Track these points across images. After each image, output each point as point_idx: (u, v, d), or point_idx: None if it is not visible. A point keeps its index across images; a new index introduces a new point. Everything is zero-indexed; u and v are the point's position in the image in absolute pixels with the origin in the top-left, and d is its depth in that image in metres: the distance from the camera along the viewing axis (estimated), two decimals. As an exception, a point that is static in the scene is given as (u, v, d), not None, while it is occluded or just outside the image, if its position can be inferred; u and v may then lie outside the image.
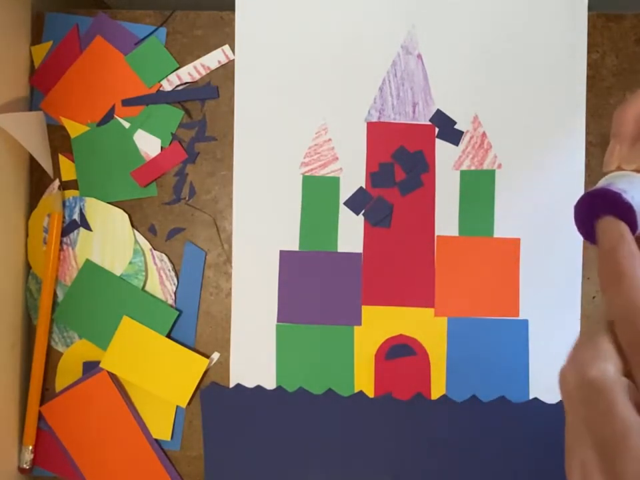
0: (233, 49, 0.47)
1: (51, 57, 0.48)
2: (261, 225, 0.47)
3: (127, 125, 0.47)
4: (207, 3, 0.48)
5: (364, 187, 0.46)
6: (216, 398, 0.47)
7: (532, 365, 0.45)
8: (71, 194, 0.48)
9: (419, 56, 0.46)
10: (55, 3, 0.50)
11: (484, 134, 0.46)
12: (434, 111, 0.46)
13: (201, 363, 0.46)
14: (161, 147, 0.47)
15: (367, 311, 0.46)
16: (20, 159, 0.47)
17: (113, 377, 0.47)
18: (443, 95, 0.46)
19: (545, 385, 0.45)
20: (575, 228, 0.26)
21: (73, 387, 0.47)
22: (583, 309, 0.45)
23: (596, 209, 0.25)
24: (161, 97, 0.47)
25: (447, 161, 0.46)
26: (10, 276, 0.47)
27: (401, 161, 0.46)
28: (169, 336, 0.47)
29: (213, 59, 0.47)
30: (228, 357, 0.47)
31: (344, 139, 0.46)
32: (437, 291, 0.46)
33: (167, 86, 0.47)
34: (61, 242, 0.47)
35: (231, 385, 0.47)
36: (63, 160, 0.48)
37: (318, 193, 0.46)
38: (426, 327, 0.46)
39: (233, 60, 0.47)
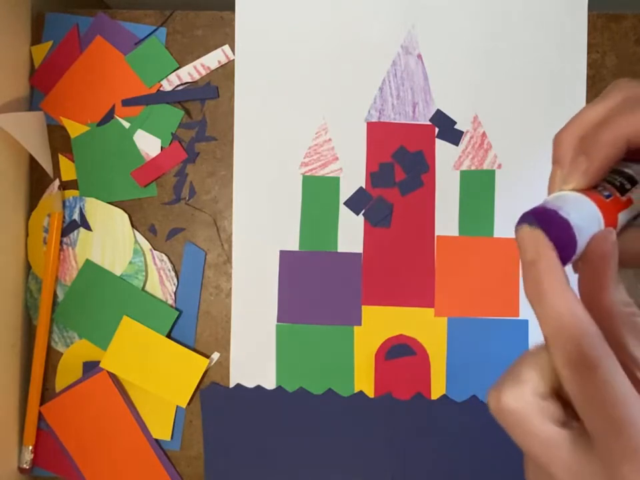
0: (233, 49, 0.47)
1: (51, 57, 0.48)
2: (261, 225, 0.47)
3: (127, 125, 0.47)
4: (207, 3, 0.48)
5: (364, 187, 0.46)
6: (216, 398, 0.47)
7: (532, 364, 0.45)
8: (70, 194, 0.48)
9: (419, 56, 0.46)
10: (55, 2, 0.50)
11: (484, 134, 0.46)
12: (434, 111, 0.46)
13: (201, 363, 0.46)
14: (161, 147, 0.47)
15: (367, 311, 0.46)
16: (20, 159, 0.47)
17: (113, 377, 0.47)
18: (442, 95, 0.46)
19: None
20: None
21: (72, 386, 0.47)
22: (582, 309, 0.45)
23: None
24: (160, 97, 0.47)
25: (447, 161, 0.46)
26: (10, 276, 0.47)
27: (400, 161, 0.46)
28: (168, 336, 0.47)
29: (213, 59, 0.47)
30: (228, 357, 0.47)
31: (344, 139, 0.46)
32: (436, 291, 0.46)
33: (167, 86, 0.47)
34: (61, 242, 0.47)
35: (231, 385, 0.47)
36: (63, 160, 0.48)
37: (318, 193, 0.46)
38: (426, 326, 0.46)
39: (233, 60, 0.47)
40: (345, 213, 0.46)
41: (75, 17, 0.48)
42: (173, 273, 0.47)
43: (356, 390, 0.46)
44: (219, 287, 0.47)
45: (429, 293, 0.46)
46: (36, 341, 0.47)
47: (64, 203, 0.47)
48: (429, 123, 0.46)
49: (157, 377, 0.46)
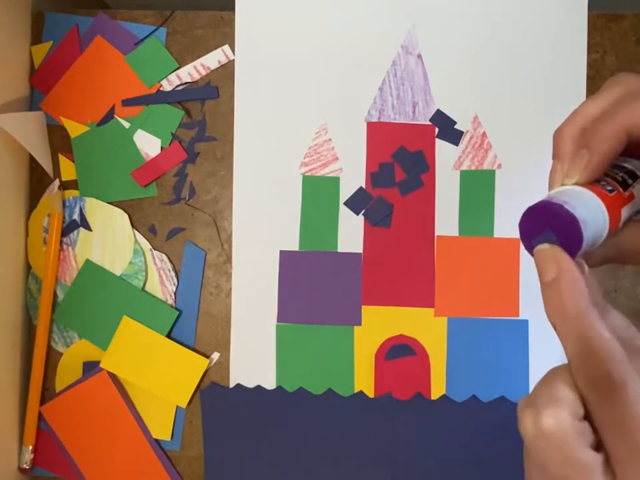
0: (233, 49, 0.47)
1: (51, 57, 0.48)
2: (261, 224, 0.47)
3: (127, 125, 0.47)
4: (207, 3, 0.48)
5: (364, 187, 0.46)
6: (216, 398, 0.47)
7: (532, 365, 0.45)
8: (70, 194, 0.48)
9: (419, 56, 0.46)
10: (55, 2, 0.50)
11: (484, 134, 0.46)
12: (434, 111, 0.46)
13: (201, 363, 0.46)
14: (161, 147, 0.47)
15: (367, 311, 0.46)
16: (20, 159, 0.47)
17: (113, 377, 0.47)
18: (442, 95, 0.46)
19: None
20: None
21: (72, 386, 0.47)
22: (582, 309, 0.45)
23: (540, 224, 0.26)
24: (160, 97, 0.47)
25: (447, 161, 0.46)
26: (10, 276, 0.47)
27: (401, 161, 0.46)
28: (168, 336, 0.47)
29: (213, 59, 0.47)
30: (228, 357, 0.47)
31: (344, 139, 0.46)
32: (437, 291, 0.46)
33: (167, 86, 0.47)
34: (61, 242, 0.47)
35: (231, 385, 0.47)
36: (63, 160, 0.48)
37: (318, 193, 0.46)
38: (426, 327, 0.46)
39: (233, 60, 0.47)
40: (345, 213, 0.46)
41: (75, 17, 0.48)
42: (172, 273, 0.47)
43: (356, 390, 0.46)
44: (219, 287, 0.47)
45: (429, 293, 0.46)
46: (36, 341, 0.47)
47: (64, 203, 0.47)
48: (429, 123, 0.46)
49: (157, 377, 0.46)
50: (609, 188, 0.26)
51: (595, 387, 0.20)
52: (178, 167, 0.47)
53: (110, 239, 0.47)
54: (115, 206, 0.47)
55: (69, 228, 0.47)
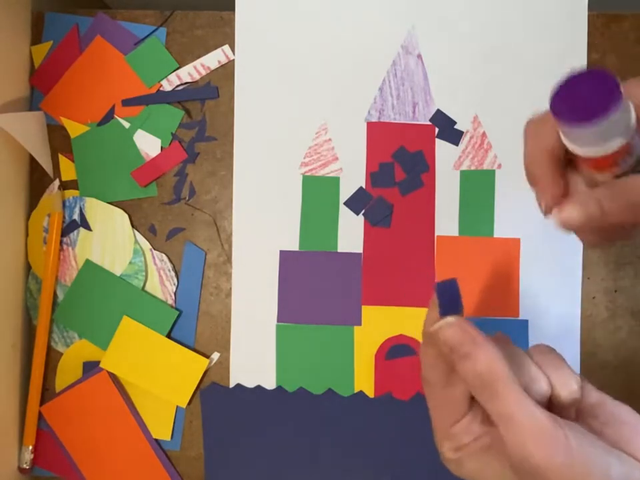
0: (233, 49, 0.47)
1: (51, 57, 0.48)
2: (261, 225, 0.47)
3: (127, 125, 0.47)
4: (207, 3, 0.48)
5: (364, 187, 0.46)
6: (216, 398, 0.47)
7: (532, 365, 0.45)
8: (70, 194, 0.48)
9: (419, 56, 0.46)
10: (55, 2, 0.50)
11: (484, 134, 0.46)
12: (434, 110, 0.46)
13: (201, 363, 0.46)
14: (161, 147, 0.47)
15: (367, 310, 0.46)
16: (20, 158, 0.47)
17: (113, 376, 0.47)
18: (442, 95, 0.46)
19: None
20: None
21: (72, 386, 0.47)
22: (582, 309, 0.45)
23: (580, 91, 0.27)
24: (160, 97, 0.47)
25: (447, 161, 0.46)
26: (10, 276, 0.47)
27: (401, 161, 0.46)
28: (168, 336, 0.47)
29: (213, 59, 0.47)
30: (228, 357, 0.47)
31: (344, 139, 0.46)
32: (437, 291, 0.46)
33: (167, 86, 0.47)
34: (61, 242, 0.47)
35: (231, 385, 0.47)
36: (63, 160, 0.48)
37: (318, 193, 0.46)
38: (426, 327, 0.46)
39: (233, 60, 0.47)
40: (345, 213, 0.46)
41: (75, 17, 0.48)
42: (173, 273, 0.47)
43: (356, 390, 0.46)
44: (219, 287, 0.47)
45: (429, 293, 0.46)
46: (36, 341, 0.47)
47: (64, 203, 0.47)
48: (429, 123, 0.46)
49: (157, 377, 0.46)
50: None
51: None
52: (178, 167, 0.47)
53: (110, 239, 0.47)
54: (115, 206, 0.47)
55: (69, 228, 0.47)
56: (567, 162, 0.29)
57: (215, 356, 0.47)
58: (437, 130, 0.46)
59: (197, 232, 0.47)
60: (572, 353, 0.45)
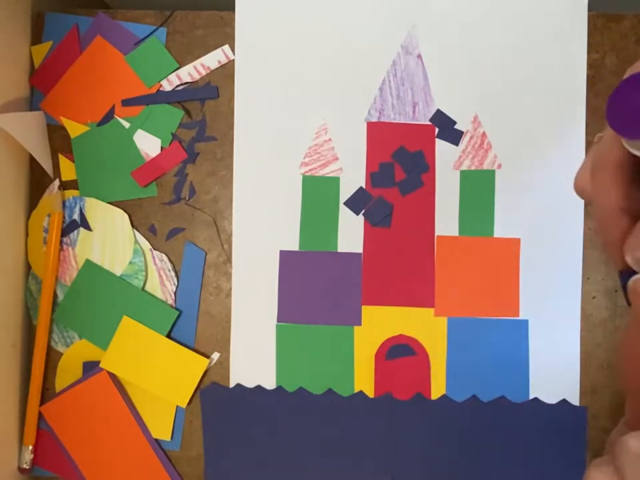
0: (233, 49, 0.47)
1: (51, 57, 0.48)
2: (261, 225, 0.47)
3: (127, 125, 0.47)
4: (207, 3, 0.48)
5: (364, 187, 0.46)
6: (216, 398, 0.47)
7: (532, 365, 0.45)
8: (71, 194, 0.48)
9: (419, 56, 0.46)
10: (55, 2, 0.50)
11: (484, 134, 0.46)
12: (434, 110, 0.46)
13: (201, 363, 0.46)
14: (161, 147, 0.47)
15: (367, 310, 0.46)
16: (20, 158, 0.47)
17: (113, 376, 0.47)
18: (442, 95, 0.46)
19: (545, 385, 0.45)
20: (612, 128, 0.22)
21: (72, 386, 0.47)
22: (582, 309, 0.45)
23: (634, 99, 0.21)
24: (161, 97, 0.47)
25: (447, 161, 0.46)
26: (10, 276, 0.47)
27: (401, 161, 0.46)
28: (168, 336, 0.47)
29: (213, 59, 0.47)
30: (228, 357, 0.47)
31: (344, 139, 0.46)
32: (437, 291, 0.46)
33: (167, 86, 0.47)
34: (61, 242, 0.47)
35: (231, 385, 0.47)
36: (63, 160, 0.48)
37: (318, 193, 0.46)
38: (426, 327, 0.46)
39: (233, 60, 0.47)
40: (345, 212, 0.46)
41: (75, 17, 0.48)
42: (173, 273, 0.47)
43: (356, 390, 0.46)
44: (219, 287, 0.47)
45: (429, 292, 0.46)
46: (36, 340, 0.47)
47: (64, 203, 0.47)
48: (429, 123, 0.46)
49: (157, 377, 0.46)
50: None
51: None
52: (178, 167, 0.47)
53: (110, 239, 0.47)
54: (115, 206, 0.47)
55: (69, 228, 0.47)
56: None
57: (215, 356, 0.47)
58: (437, 130, 0.46)
59: (197, 232, 0.47)
60: (572, 353, 0.45)
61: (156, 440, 0.47)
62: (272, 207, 0.47)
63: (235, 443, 0.47)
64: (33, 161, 0.48)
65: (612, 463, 0.20)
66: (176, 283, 0.47)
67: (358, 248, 0.46)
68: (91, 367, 0.47)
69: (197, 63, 0.47)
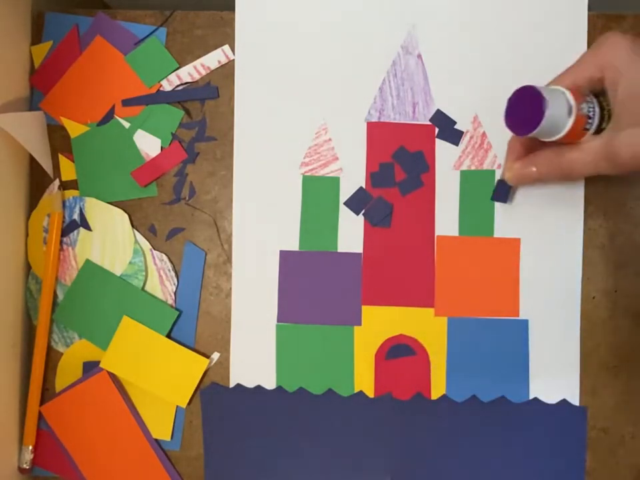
0: (233, 49, 0.47)
1: (51, 57, 0.48)
2: (261, 225, 0.47)
3: (127, 125, 0.47)
4: (207, 3, 0.48)
5: (364, 187, 0.46)
6: (216, 398, 0.47)
7: (532, 364, 0.45)
8: (71, 194, 0.48)
9: (419, 56, 0.46)
10: (55, 2, 0.50)
11: (484, 134, 0.46)
12: (434, 110, 0.46)
13: (201, 363, 0.46)
14: (161, 147, 0.47)
15: (367, 311, 0.46)
16: (20, 158, 0.47)
17: (113, 376, 0.47)
18: (442, 95, 0.46)
19: (545, 385, 0.45)
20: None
21: (72, 387, 0.47)
22: (582, 309, 0.45)
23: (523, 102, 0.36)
24: (161, 97, 0.47)
25: (447, 161, 0.46)
26: (10, 276, 0.47)
27: (401, 161, 0.46)
28: (168, 336, 0.47)
29: (213, 59, 0.47)
30: (228, 357, 0.47)
31: (344, 139, 0.46)
32: (436, 291, 0.46)
33: (167, 86, 0.47)
34: (61, 242, 0.47)
35: (231, 385, 0.47)
36: (63, 160, 0.48)
37: (318, 193, 0.46)
38: (426, 327, 0.46)
39: (233, 60, 0.47)
40: (345, 212, 0.46)
41: (75, 17, 0.48)
42: (173, 273, 0.47)
43: (356, 390, 0.46)
44: (219, 287, 0.47)
45: (429, 293, 0.46)
46: (36, 340, 0.47)
47: (64, 203, 0.47)
48: (429, 123, 0.46)
49: (157, 377, 0.46)
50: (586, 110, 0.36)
51: None
52: (178, 167, 0.47)
53: (110, 239, 0.47)
54: (115, 206, 0.47)
55: (68, 228, 0.47)
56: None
57: (215, 356, 0.47)
58: (437, 130, 0.46)
59: (197, 232, 0.47)
60: (572, 353, 0.45)
61: (156, 440, 0.47)
62: (272, 207, 0.47)
63: (235, 443, 0.47)
64: (33, 161, 0.48)
65: None
66: (176, 283, 0.47)
67: (358, 248, 0.46)
68: (90, 367, 0.47)
69: (197, 62, 0.47)
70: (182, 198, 0.47)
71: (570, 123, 0.35)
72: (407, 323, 0.46)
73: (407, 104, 0.46)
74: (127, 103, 0.47)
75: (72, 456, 0.47)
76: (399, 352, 0.46)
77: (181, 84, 0.47)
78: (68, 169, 0.48)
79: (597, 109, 0.36)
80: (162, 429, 0.47)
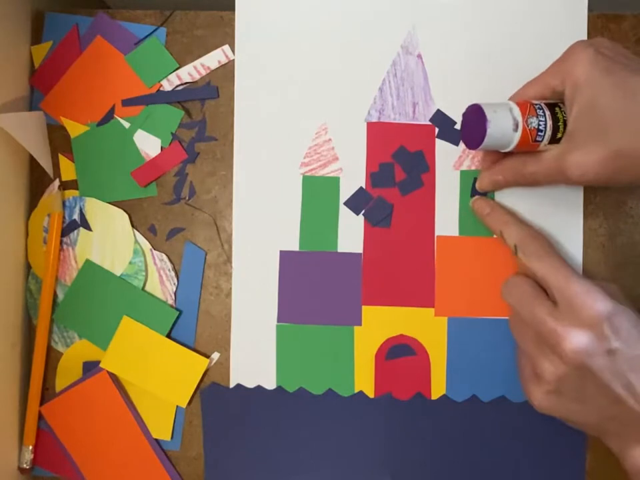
0: (233, 49, 0.47)
1: (51, 57, 0.48)
2: (261, 225, 0.47)
3: (127, 125, 0.47)
4: (207, 3, 0.48)
5: (364, 187, 0.46)
6: (216, 398, 0.47)
7: (532, 365, 0.45)
8: (71, 194, 0.48)
9: (419, 56, 0.46)
10: (55, 2, 0.50)
11: (484, 134, 0.46)
12: (434, 110, 0.46)
13: (201, 363, 0.46)
14: (161, 147, 0.47)
15: (367, 311, 0.46)
16: (20, 158, 0.47)
17: (113, 376, 0.47)
18: (442, 95, 0.46)
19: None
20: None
21: (72, 386, 0.47)
22: (582, 309, 0.45)
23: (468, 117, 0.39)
24: (161, 97, 0.47)
25: (447, 161, 0.46)
26: (10, 276, 0.47)
27: (401, 161, 0.46)
28: (168, 336, 0.47)
29: (213, 59, 0.47)
30: (228, 357, 0.47)
31: (344, 139, 0.46)
32: (437, 291, 0.46)
33: (167, 86, 0.47)
34: (61, 242, 0.47)
35: (231, 385, 0.47)
36: (63, 160, 0.48)
37: (318, 193, 0.46)
38: (426, 326, 0.46)
39: (233, 60, 0.47)
40: (345, 212, 0.46)
41: (75, 17, 0.48)
42: (172, 273, 0.47)
43: (356, 390, 0.46)
44: (219, 287, 0.47)
45: (429, 293, 0.46)
46: (36, 341, 0.47)
47: (64, 203, 0.47)
48: (429, 123, 0.46)
49: (157, 377, 0.46)
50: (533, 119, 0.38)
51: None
52: (178, 167, 0.47)
53: (110, 239, 0.47)
54: (115, 206, 0.47)
55: (68, 228, 0.47)
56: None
57: (215, 356, 0.47)
58: (437, 130, 0.46)
59: (197, 232, 0.47)
60: (572, 353, 0.45)
61: (156, 440, 0.47)
62: (272, 207, 0.47)
63: (234, 443, 0.47)
64: (32, 161, 0.48)
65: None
66: (176, 283, 0.47)
67: (358, 248, 0.46)
68: (90, 367, 0.47)
69: (197, 62, 0.47)
70: (182, 198, 0.47)
71: (516, 137, 0.37)
72: (407, 323, 0.46)
73: (406, 104, 0.46)
74: (127, 102, 0.47)
75: (72, 456, 0.47)
76: (399, 352, 0.46)
77: (181, 84, 0.47)
78: (68, 169, 0.48)
79: (550, 122, 0.37)
80: (162, 429, 0.47)
